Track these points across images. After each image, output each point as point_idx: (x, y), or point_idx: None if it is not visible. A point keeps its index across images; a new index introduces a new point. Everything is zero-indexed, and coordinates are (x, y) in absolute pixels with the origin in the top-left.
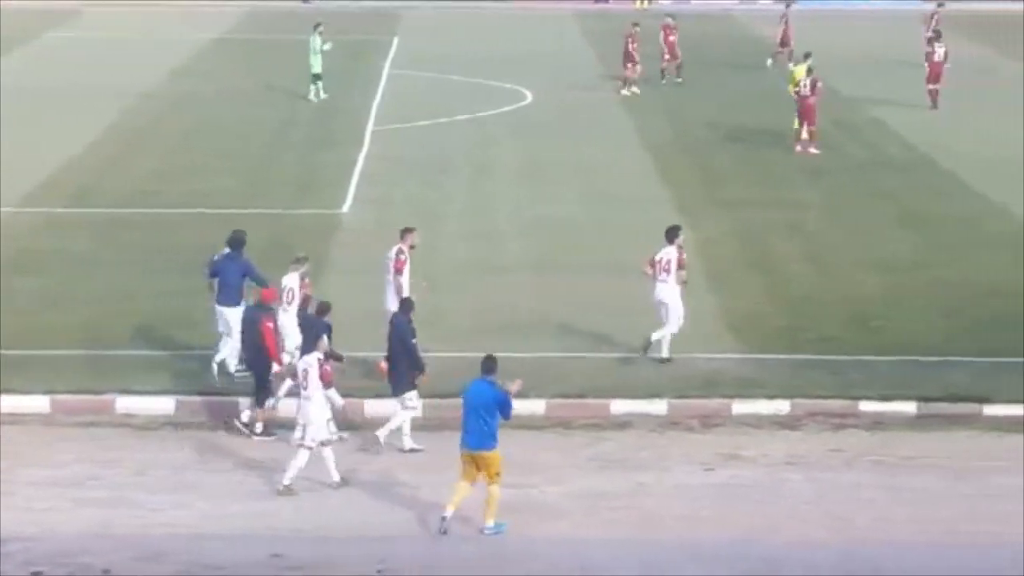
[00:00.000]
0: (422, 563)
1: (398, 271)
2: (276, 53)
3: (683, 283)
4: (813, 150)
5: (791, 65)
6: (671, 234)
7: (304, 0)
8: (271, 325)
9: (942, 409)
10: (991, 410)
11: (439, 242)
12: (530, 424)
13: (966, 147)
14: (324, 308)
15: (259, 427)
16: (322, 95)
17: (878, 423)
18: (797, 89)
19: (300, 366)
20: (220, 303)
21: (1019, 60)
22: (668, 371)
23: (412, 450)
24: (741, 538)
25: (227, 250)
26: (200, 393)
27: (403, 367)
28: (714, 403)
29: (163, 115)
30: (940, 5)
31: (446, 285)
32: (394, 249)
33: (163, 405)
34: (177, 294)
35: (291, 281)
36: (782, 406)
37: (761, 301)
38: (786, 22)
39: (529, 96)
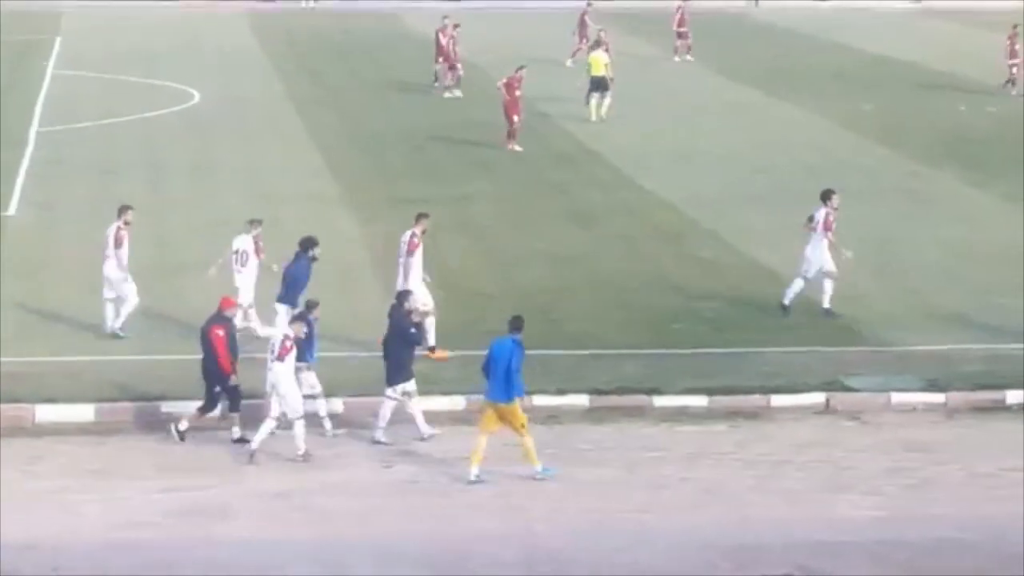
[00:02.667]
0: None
1: (410, 252)
2: None
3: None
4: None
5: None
6: (825, 196)
7: None
8: (221, 334)
9: (614, 401)
10: (661, 401)
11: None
12: (205, 425)
13: (629, 141)
14: (312, 304)
15: (236, 432)
16: None
17: (553, 416)
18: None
19: (271, 340)
20: None
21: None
22: (344, 368)
23: (428, 436)
24: (422, 534)
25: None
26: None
27: (400, 358)
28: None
29: None
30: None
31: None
32: (408, 233)
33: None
34: None
35: (243, 243)
36: (458, 402)
37: (435, 297)
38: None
39: (197, 96)
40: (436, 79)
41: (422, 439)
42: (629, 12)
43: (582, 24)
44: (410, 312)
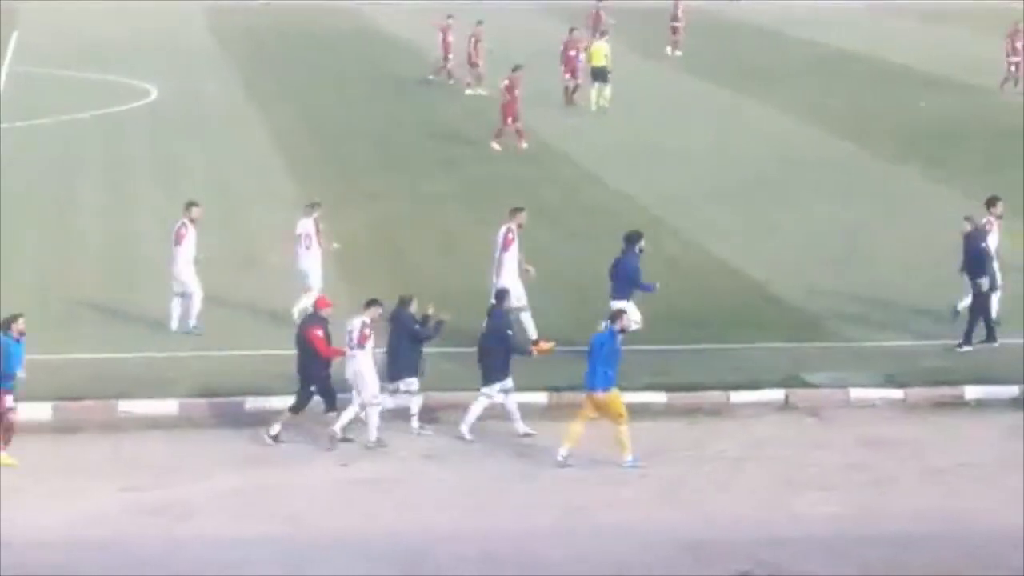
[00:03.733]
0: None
1: (505, 248)
2: None
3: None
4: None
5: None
6: (990, 203)
7: None
8: (320, 334)
9: (573, 399)
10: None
11: (72, 241)
12: (165, 424)
13: (596, 139)
14: (406, 300)
15: (338, 429)
16: None
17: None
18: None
19: (347, 327)
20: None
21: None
22: None
23: (526, 434)
24: (384, 532)
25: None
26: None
27: (497, 358)
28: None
29: None
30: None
31: (87, 286)
32: (503, 228)
33: None
34: None
35: (305, 227)
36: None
37: (394, 294)
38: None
39: (154, 92)
40: (450, 76)
41: (519, 435)
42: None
43: (596, 19)
44: (509, 311)
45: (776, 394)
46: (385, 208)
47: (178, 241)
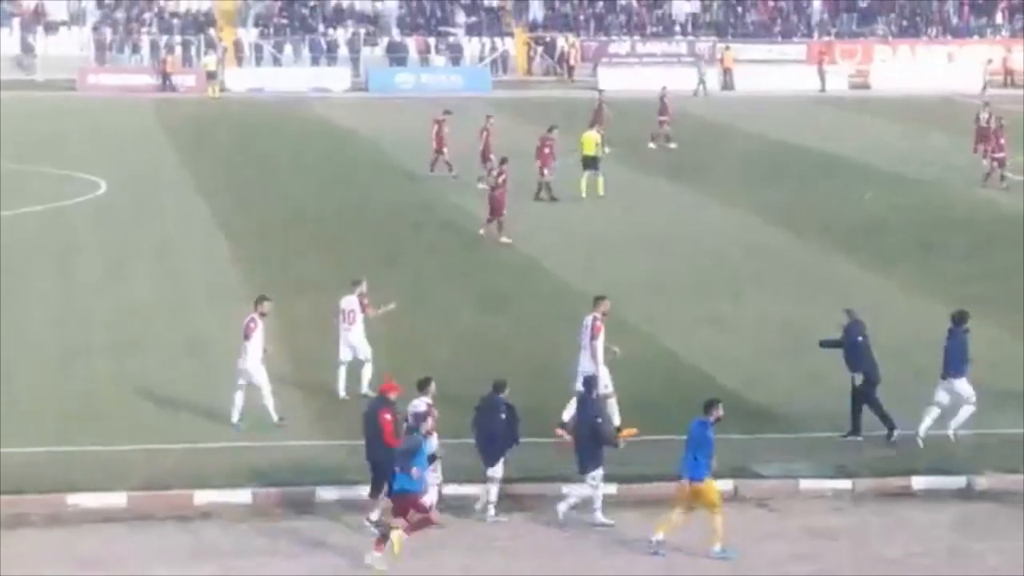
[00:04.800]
0: None
1: (594, 336)
2: None
3: None
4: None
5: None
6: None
7: None
8: (388, 417)
9: (522, 489)
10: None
11: (20, 330)
12: (112, 516)
13: (538, 228)
14: (500, 385)
15: (375, 515)
16: None
17: (463, 506)
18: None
19: (410, 409)
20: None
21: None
22: (251, 458)
23: (603, 524)
24: None
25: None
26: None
27: (591, 446)
28: (302, 491)
29: None
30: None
31: (29, 373)
32: (590, 316)
33: None
34: None
35: (350, 303)
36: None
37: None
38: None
39: (104, 185)
40: (450, 168)
41: (595, 525)
42: (529, 101)
43: (599, 111)
44: (598, 400)
45: (725, 485)
46: (332, 297)
47: (247, 336)
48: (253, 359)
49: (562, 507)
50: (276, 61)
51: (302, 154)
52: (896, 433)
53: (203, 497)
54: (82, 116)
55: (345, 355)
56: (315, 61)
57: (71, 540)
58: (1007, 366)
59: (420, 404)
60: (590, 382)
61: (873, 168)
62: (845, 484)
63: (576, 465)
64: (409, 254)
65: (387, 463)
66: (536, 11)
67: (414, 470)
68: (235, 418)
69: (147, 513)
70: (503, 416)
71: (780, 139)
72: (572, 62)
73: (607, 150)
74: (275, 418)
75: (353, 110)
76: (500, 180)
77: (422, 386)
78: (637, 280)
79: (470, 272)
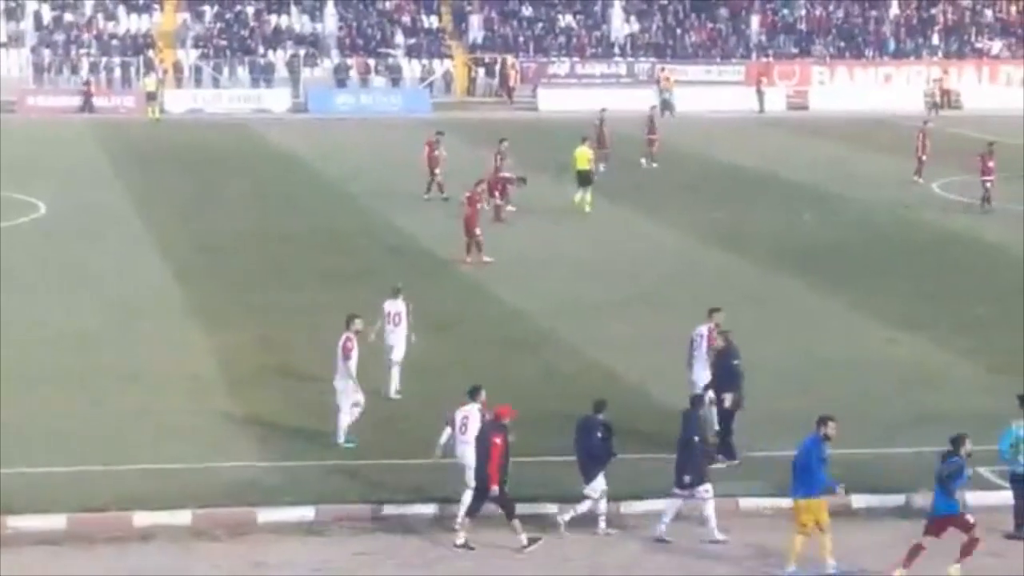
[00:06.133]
0: None
1: (711, 344)
2: None
3: None
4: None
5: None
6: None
7: None
8: (499, 442)
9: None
10: None
11: None
12: (50, 539)
13: (489, 252)
14: (599, 406)
15: (460, 539)
16: None
17: (407, 526)
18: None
19: (459, 415)
20: None
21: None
22: (193, 480)
23: (715, 541)
24: None
25: None
26: None
27: (694, 460)
28: (240, 512)
29: None
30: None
31: None
32: (705, 327)
33: None
34: None
35: (395, 306)
36: (307, 512)
37: (284, 407)
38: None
39: (43, 207)
40: (441, 190)
41: (709, 542)
42: (469, 122)
43: (600, 134)
44: (701, 418)
45: (665, 504)
46: (274, 319)
47: (346, 355)
48: (349, 377)
49: (661, 528)
50: (216, 83)
51: (243, 176)
52: (732, 464)
53: (143, 519)
54: (20, 138)
55: (397, 355)
56: (255, 83)
57: (10, 564)
58: (941, 383)
59: (471, 409)
60: (696, 400)
61: (811, 188)
62: (786, 503)
63: (675, 478)
64: (353, 276)
65: (487, 484)
66: (476, 32)
67: (956, 493)
68: (340, 439)
69: (86, 535)
70: (599, 435)
71: (719, 159)
72: (512, 83)
73: (602, 168)
74: (341, 439)
75: (294, 131)
76: (467, 199)
77: (473, 394)
78: (581, 300)
79: (415, 295)
